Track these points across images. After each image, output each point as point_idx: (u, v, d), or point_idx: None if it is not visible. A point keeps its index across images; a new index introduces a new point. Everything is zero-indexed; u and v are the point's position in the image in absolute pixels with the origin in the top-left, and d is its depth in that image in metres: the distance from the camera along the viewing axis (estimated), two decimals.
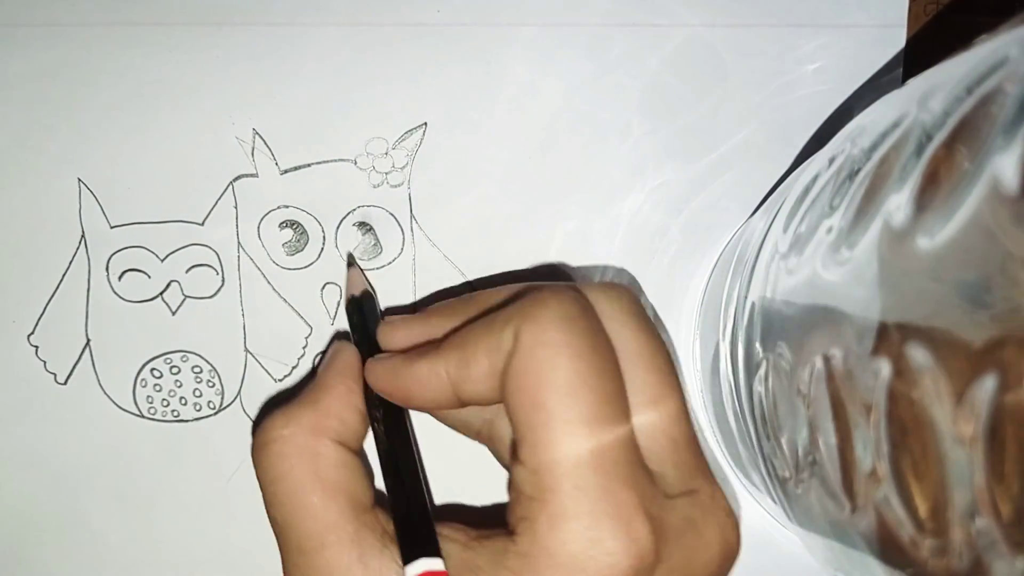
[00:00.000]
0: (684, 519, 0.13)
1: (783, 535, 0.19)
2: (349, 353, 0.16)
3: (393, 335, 0.16)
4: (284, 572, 0.15)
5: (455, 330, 0.15)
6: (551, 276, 0.20)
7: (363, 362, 0.16)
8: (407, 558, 0.14)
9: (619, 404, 0.13)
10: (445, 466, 0.19)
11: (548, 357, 0.13)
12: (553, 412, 0.12)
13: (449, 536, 0.14)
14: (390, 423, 0.16)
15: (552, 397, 0.12)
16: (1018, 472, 0.09)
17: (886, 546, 0.11)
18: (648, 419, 0.14)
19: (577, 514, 0.12)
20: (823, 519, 0.13)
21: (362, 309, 0.18)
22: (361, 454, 0.16)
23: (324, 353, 0.19)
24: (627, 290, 0.15)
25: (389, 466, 0.15)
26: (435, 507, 0.19)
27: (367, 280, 0.19)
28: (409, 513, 0.14)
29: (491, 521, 0.14)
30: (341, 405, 0.15)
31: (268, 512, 0.15)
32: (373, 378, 0.16)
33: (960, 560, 0.10)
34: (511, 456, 0.13)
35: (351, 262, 0.19)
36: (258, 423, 0.18)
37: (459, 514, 0.20)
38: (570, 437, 0.12)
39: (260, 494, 0.20)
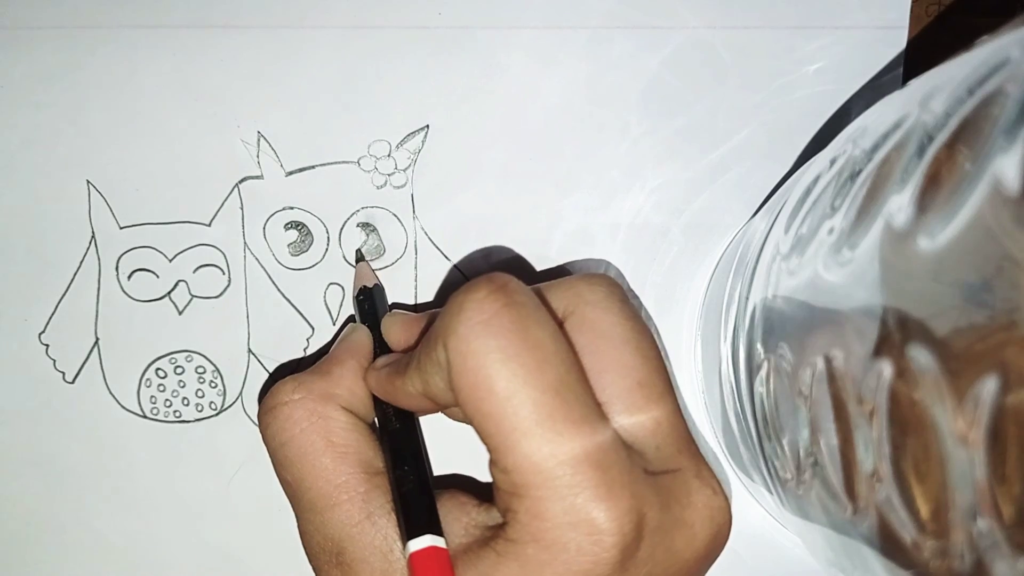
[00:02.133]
0: (667, 496, 0.13)
1: (783, 535, 0.19)
2: (361, 333, 0.17)
3: (392, 329, 0.17)
4: (298, 529, 0.15)
5: None
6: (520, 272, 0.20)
7: (375, 345, 0.17)
8: (412, 533, 0.14)
9: (571, 392, 0.13)
10: (447, 442, 0.19)
11: (478, 368, 0.12)
12: (501, 421, 0.12)
13: (451, 513, 0.14)
14: (395, 407, 0.16)
15: (495, 407, 0.12)
16: (1020, 473, 0.09)
17: (888, 547, 0.11)
18: (632, 400, 0.14)
19: (553, 504, 0.12)
20: (824, 520, 0.13)
21: (373, 300, 0.18)
22: (370, 424, 0.16)
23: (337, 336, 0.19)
24: (607, 278, 0.15)
25: (393, 444, 0.16)
26: (435, 478, 0.19)
27: (375, 274, 0.20)
28: (413, 491, 0.15)
29: (490, 493, 0.14)
30: (352, 377, 0.16)
31: (278, 473, 0.15)
32: (370, 387, 0.16)
33: (962, 561, 0.10)
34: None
35: (360, 258, 0.20)
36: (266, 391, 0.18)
37: (458, 485, 0.20)
38: (525, 440, 0.12)
39: (260, 494, 0.20)
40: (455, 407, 0.14)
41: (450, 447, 0.18)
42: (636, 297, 0.20)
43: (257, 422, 0.16)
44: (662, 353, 0.15)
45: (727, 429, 0.18)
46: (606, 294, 0.14)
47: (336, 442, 0.15)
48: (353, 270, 0.20)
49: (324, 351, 0.20)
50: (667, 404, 0.14)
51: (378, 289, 0.19)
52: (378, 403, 0.16)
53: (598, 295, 0.14)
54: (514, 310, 0.13)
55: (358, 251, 0.20)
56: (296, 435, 0.15)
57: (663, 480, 0.13)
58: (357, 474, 0.15)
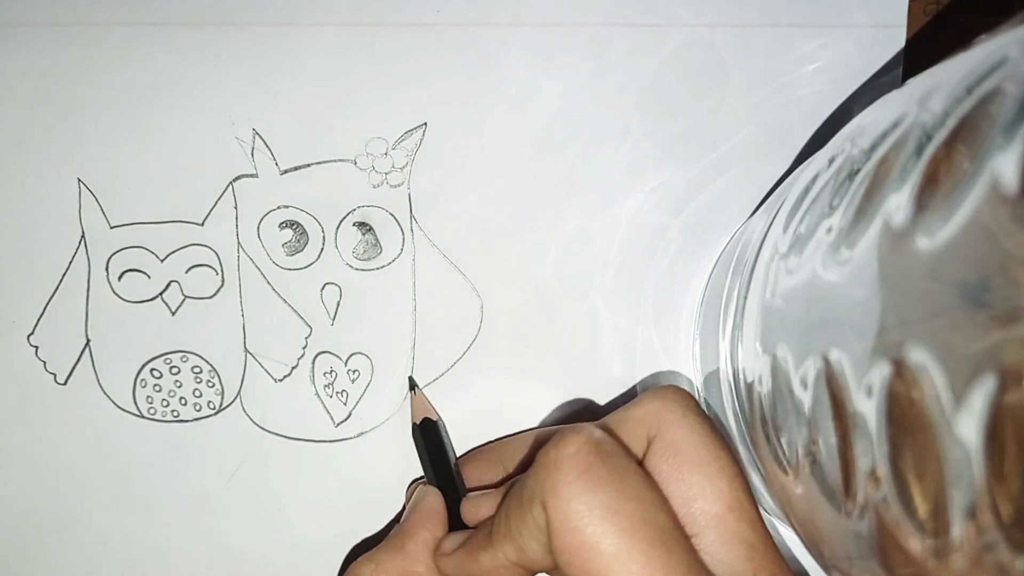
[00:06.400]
0: None
1: (783, 534, 0.19)
2: (432, 499, 0.17)
3: (478, 512, 0.16)
4: None
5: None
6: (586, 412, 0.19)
7: (444, 499, 0.17)
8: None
9: (675, 541, 0.13)
10: None
11: (583, 526, 0.12)
12: None
13: None
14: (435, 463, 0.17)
15: (604, 565, 0.12)
16: (1018, 472, 0.09)
17: (886, 546, 0.11)
18: (724, 526, 0.14)
19: None
20: (823, 519, 0.13)
21: (432, 436, 0.18)
22: None
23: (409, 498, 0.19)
24: (679, 390, 0.15)
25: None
26: None
27: (431, 405, 0.19)
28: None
29: None
30: (427, 552, 0.16)
31: None
32: (446, 573, 0.16)
33: (960, 560, 0.10)
34: None
35: (412, 385, 0.20)
36: (347, 565, 0.18)
37: None
38: None
39: (259, 492, 0.20)
40: (548, 573, 0.14)
41: None
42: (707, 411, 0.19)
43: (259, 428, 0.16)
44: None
45: (726, 428, 0.18)
46: (683, 411, 0.14)
47: None
48: (351, 271, 0.20)
49: (324, 351, 0.20)
50: (758, 527, 0.14)
51: (441, 425, 0.19)
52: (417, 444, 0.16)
53: (676, 413, 0.14)
54: (608, 461, 0.13)
55: (410, 378, 0.19)
56: None
57: None
58: None
